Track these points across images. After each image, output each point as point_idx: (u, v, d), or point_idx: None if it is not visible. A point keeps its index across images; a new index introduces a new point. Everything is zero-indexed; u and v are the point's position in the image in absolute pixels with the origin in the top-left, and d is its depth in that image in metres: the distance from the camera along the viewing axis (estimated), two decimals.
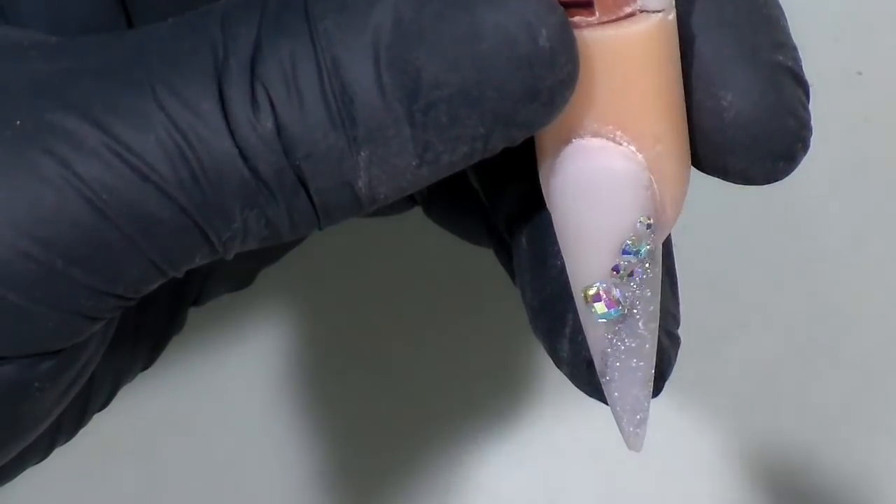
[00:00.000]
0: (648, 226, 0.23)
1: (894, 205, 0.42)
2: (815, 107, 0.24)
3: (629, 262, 0.24)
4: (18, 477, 0.27)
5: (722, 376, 0.41)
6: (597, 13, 0.22)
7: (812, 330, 0.41)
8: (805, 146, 0.24)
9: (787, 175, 0.24)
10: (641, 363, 0.24)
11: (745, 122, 0.23)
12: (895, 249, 0.41)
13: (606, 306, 0.24)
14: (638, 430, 0.25)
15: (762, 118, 0.23)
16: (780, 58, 0.24)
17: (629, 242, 0.23)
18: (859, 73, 0.41)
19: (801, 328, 0.41)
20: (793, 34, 0.25)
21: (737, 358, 0.41)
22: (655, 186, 0.23)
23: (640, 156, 0.23)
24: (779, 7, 0.24)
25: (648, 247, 0.23)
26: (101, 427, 0.29)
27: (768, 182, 0.24)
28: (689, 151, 0.24)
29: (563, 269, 0.25)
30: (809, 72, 0.25)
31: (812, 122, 0.24)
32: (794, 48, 0.24)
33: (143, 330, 0.29)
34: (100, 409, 0.28)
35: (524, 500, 0.41)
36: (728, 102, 0.23)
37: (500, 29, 0.21)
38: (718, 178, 0.24)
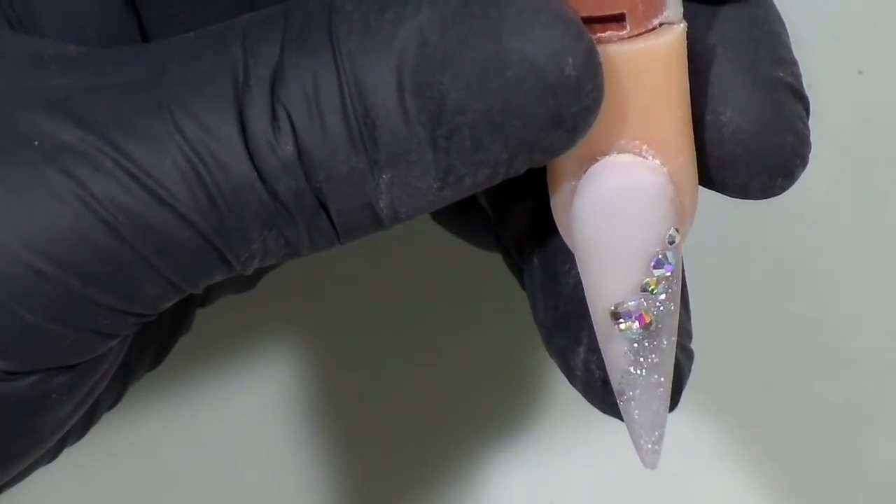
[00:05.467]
0: (674, 238, 0.23)
1: (894, 205, 0.42)
2: (815, 106, 0.24)
3: (660, 275, 0.23)
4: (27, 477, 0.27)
5: (722, 376, 0.41)
6: (628, 27, 0.22)
7: (811, 330, 0.41)
8: (804, 162, 0.24)
9: (784, 190, 0.24)
10: (662, 378, 0.24)
11: (744, 137, 0.23)
12: (895, 249, 0.41)
13: (638, 323, 0.24)
14: (656, 447, 0.25)
15: (761, 134, 0.23)
16: (780, 73, 0.24)
17: (660, 257, 0.23)
18: (859, 73, 0.41)
19: (801, 328, 0.41)
20: (793, 34, 0.25)
21: (737, 358, 0.41)
22: (677, 199, 0.23)
23: (665, 168, 0.23)
24: (780, 21, 0.24)
25: (676, 259, 0.23)
26: (106, 427, 0.29)
27: (766, 197, 0.24)
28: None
29: (575, 287, 0.25)
30: (809, 72, 0.25)
31: (812, 132, 0.24)
32: (795, 63, 0.24)
33: (151, 331, 0.29)
34: (108, 410, 0.28)
35: (525, 499, 0.41)
36: (727, 118, 0.23)
37: (525, 58, 0.21)
38: (717, 191, 0.24)
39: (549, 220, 0.25)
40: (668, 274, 0.23)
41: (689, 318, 0.27)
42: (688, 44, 0.23)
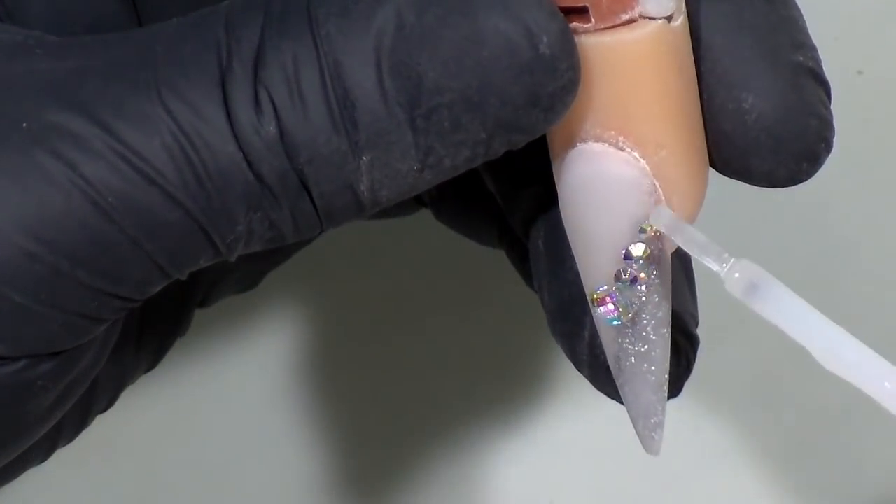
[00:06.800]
0: (652, 231, 0.23)
1: (894, 204, 0.42)
2: None
3: (631, 267, 0.24)
4: (18, 476, 0.27)
5: (723, 375, 0.41)
6: (592, 20, 0.22)
7: None
8: (828, 146, 0.24)
9: (810, 176, 0.24)
10: (652, 367, 0.24)
11: (768, 123, 0.23)
12: (895, 249, 0.41)
13: (610, 311, 0.24)
14: (653, 434, 0.25)
15: (784, 119, 0.23)
16: (800, 58, 0.24)
17: (630, 248, 0.23)
18: (859, 73, 0.41)
19: None
20: None
21: (738, 357, 0.41)
22: (661, 192, 0.23)
23: (642, 162, 0.23)
24: (796, 7, 0.24)
25: (651, 253, 0.23)
26: (103, 428, 0.29)
27: (792, 183, 0.24)
28: (705, 158, 0.24)
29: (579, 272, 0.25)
30: None
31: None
32: (814, 48, 0.24)
33: (148, 332, 0.29)
34: (103, 411, 0.28)
35: (525, 499, 0.41)
36: (750, 105, 0.23)
37: (501, 36, 0.21)
38: (741, 180, 0.24)
39: (555, 206, 0.25)
40: (639, 267, 0.23)
41: (694, 303, 0.27)
42: (705, 33, 0.23)
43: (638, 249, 0.23)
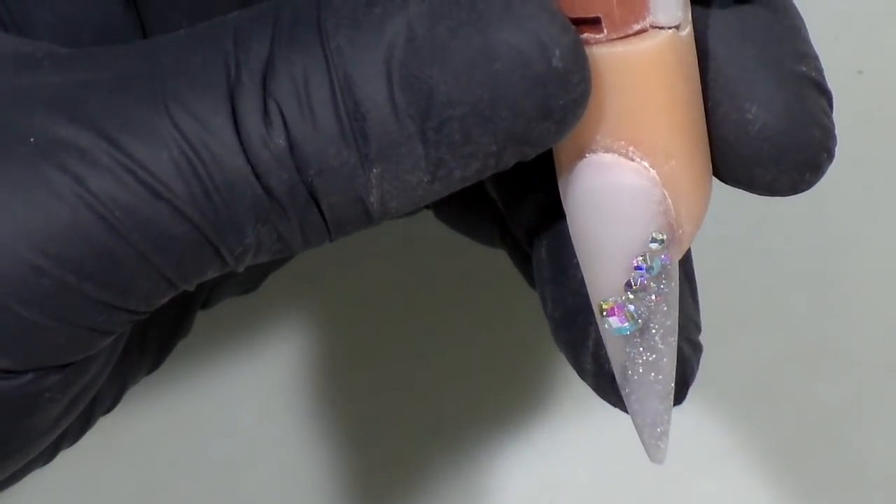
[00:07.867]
0: (662, 241, 0.23)
1: (894, 204, 0.42)
2: None
3: (642, 277, 0.24)
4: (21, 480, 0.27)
5: (723, 376, 0.41)
6: (604, 31, 0.22)
7: (813, 329, 0.41)
8: (830, 156, 0.24)
9: (812, 185, 0.24)
10: (660, 377, 0.24)
11: (771, 133, 0.23)
12: (895, 248, 0.41)
13: (620, 321, 0.24)
14: (659, 443, 0.25)
15: (787, 129, 0.23)
16: (803, 68, 0.24)
17: (641, 258, 0.23)
18: (859, 73, 0.41)
19: (803, 327, 0.41)
20: None
21: (738, 358, 0.41)
22: (670, 202, 0.23)
23: (652, 171, 0.23)
24: (799, 17, 0.24)
25: (662, 262, 0.23)
26: (105, 429, 0.29)
27: (794, 192, 0.24)
28: (710, 167, 0.24)
29: (584, 281, 0.25)
30: None
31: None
32: (816, 58, 0.24)
33: (151, 334, 0.29)
34: (105, 413, 0.28)
35: (525, 500, 0.41)
36: (753, 115, 0.23)
37: (513, 49, 0.21)
38: (743, 189, 0.24)
39: (558, 214, 0.25)
40: (650, 277, 0.23)
41: (697, 310, 0.27)
42: (709, 43, 0.23)
43: (648, 259, 0.23)
